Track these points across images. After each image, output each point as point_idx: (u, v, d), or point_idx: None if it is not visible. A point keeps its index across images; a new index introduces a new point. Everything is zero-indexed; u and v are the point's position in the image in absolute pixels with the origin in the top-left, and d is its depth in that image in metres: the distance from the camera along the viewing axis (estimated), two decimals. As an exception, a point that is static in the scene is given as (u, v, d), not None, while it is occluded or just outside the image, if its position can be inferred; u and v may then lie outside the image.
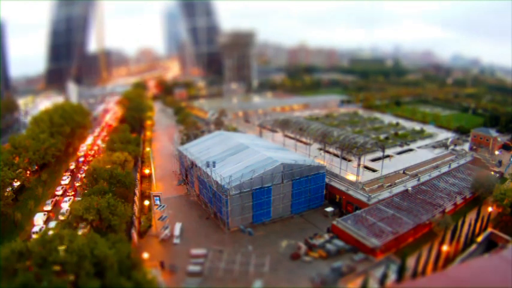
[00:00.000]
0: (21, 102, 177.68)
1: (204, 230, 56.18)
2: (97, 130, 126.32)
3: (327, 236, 52.27)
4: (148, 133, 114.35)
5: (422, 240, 51.22)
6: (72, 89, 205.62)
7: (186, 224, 57.17)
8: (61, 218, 59.32)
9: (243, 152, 66.32)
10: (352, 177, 66.93)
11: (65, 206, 63.39)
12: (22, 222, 59.62)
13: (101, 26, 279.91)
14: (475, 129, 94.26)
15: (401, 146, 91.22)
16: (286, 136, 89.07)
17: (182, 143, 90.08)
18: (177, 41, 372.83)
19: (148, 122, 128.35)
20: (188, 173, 71.95)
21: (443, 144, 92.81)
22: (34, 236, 51.65)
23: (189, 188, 71.65)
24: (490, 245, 49.14)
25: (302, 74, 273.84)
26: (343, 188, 63.54)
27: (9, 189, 62.15)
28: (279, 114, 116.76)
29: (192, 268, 45.32)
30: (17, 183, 67.28)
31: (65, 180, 77.30)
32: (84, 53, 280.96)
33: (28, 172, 73.53)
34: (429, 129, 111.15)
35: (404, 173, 71.41)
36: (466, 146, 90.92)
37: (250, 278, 43.10)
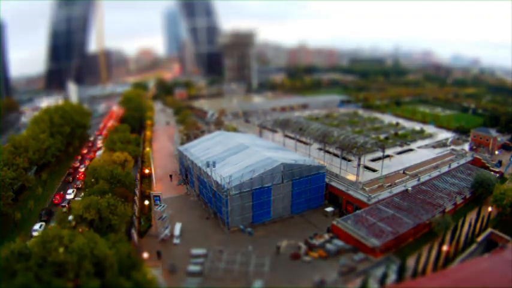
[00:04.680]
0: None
1: (204, 230, 56.19)
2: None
3: (327, 236, 52.30)
4: (148, 133, 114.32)
5: (422, 240, 51.20)
6: (72, 89, 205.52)
7: (186, 224, 57.16)
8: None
9: (243, 152, 66.33)
10: (352, 177, 66.93)
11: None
12: (22, 222, 59.69)
13: (101, 26, 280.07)
14: (475, 129, 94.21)
15: (401, 146, 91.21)
16: (286, 136, 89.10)
17: (182, 143, 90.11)
18: (177, 41, 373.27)
19: (148, 122, 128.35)
20: (188, 172, 71.99)
21: (443, 144, 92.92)
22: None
23: (189, 188, 71.69)
24: (490, 245, 49.08)
25: (302, 74, 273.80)
26: (343, 188, 63.55)
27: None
28: (279, 114, 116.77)
29: (192, 268, 45.31)
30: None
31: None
32: (84, 53, 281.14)
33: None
34: (429, 129, 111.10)
35: (404, 173, 71.40)
36: (466, 146, 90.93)
37: (250, 278, 43.12)
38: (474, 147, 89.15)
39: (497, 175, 72.24)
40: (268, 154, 62.58)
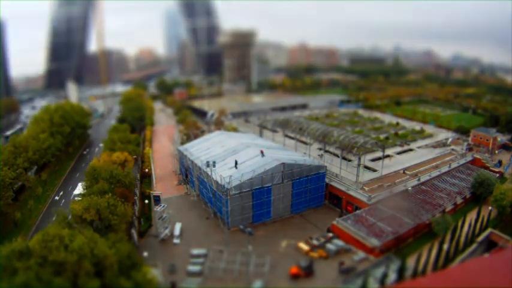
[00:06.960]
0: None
1: (204, 230, 56.19)
2: None
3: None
4: (148, 133, 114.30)
5: (422, 240, 51.25)
6: (72, 89, 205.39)
7: (186, 224, 57.17)
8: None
9: (243, 152, 66.32)
10: (352, 177, 66.90)
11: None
12: (22, 222, 59.69)
13: (101, 26, 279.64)
14: (475, 129, 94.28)
15: (401, 146, 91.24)
16: (286, 136, 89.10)
17: (182, 143, 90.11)
18: (177, 41, 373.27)
19: (149, 122, 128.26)
20: (188, 172, 71.97)
21: (443, 144, 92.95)
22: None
23: (189, 188, 71.69)
24: (490, 245, 49.13)
25: (302, 74, 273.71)
26: (343, 188, 63.52)
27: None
28: (279, 114, 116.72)
29: (192, 268, 45.32)
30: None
31: None
32: (84, 53, 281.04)
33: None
34: (429, 129, 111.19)
35: (404, 173, 71.41)
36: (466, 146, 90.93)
37: (250, 278, 43.12)
38: (471, 147, 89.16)
39: (497, 175, 72.27)
40: (268, 154, 62.54)
